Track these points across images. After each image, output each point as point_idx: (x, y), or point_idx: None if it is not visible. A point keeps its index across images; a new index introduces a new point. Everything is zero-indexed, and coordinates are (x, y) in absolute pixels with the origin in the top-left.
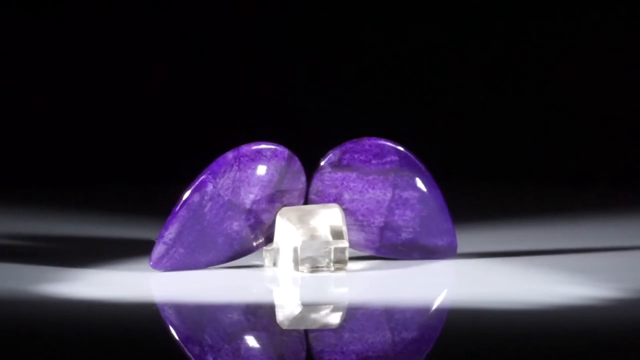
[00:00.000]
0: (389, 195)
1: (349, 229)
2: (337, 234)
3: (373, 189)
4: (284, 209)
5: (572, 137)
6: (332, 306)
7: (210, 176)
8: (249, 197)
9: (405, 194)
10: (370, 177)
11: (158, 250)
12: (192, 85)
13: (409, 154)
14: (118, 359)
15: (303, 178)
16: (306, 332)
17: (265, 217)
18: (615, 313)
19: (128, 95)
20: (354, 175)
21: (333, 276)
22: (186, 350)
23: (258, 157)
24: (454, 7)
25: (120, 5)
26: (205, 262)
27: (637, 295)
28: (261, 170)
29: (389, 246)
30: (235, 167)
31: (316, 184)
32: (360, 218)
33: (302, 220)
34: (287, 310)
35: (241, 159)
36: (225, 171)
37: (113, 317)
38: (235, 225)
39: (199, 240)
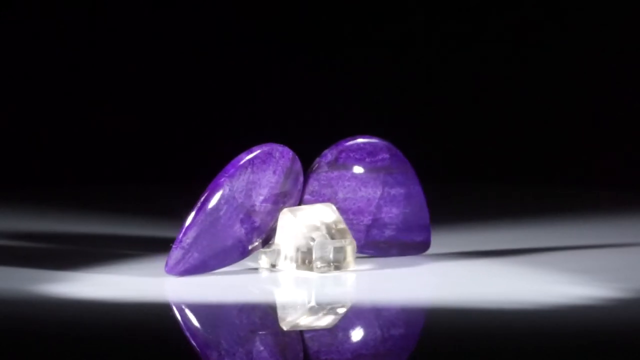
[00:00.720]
0: (378, 193)
1: None
2: (343, 233)
3: (365, 187)
4: (285, 209)
5: (572, 137)
6: (348, 304)
7: (227, 179)
8: (259, 199)
9: (393, 191)
10: (364, 176)
11: (175, 255)
12: (192, 85)
13: (398, 151)
14: (118, 359)
15: (301, 178)
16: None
17: (269, 219)
18: (615, 313)
19: (128, 96)
20: (349, 174)
21: (343, 275)
22: (199, 353)
23: (269, 158)
24: (454, 7)
25: (121, 5)
26: (214, 266)
27: (637, 295)
28: (271, 171)
29: (372, 244)
30: (249, 169)
31: (312, 183)
32: (351, 217)
33: (309, 221)
34: (311, 312)
35: (254, 160)
36: (240, 174)
37: (113, 318)
38: (244, 228)
39: (212, 244)
